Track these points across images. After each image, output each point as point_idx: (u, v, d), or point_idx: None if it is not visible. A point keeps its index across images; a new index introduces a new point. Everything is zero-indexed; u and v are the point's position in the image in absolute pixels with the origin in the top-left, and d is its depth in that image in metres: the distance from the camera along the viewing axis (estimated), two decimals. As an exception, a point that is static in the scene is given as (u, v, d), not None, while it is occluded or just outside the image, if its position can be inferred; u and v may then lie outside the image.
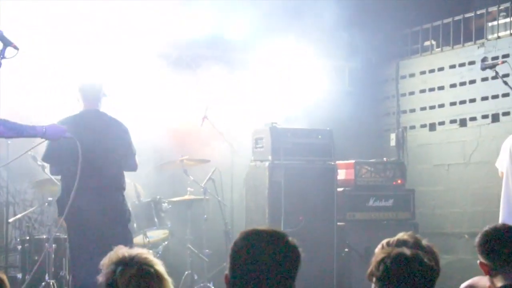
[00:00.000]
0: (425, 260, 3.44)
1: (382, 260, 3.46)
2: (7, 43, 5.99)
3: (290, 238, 3.39)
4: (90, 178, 7.43)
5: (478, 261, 4.53)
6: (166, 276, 3.45)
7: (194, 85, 10.92)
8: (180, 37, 10.59)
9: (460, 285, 4.81)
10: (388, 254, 3.47)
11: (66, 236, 9.09)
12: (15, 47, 6.03)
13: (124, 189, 7.83)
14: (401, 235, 4.49)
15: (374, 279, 3.54)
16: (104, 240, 7.24)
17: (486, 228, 4.58)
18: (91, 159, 7.41)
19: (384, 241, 4.41)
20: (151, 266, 3.43)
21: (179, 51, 10.86)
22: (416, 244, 4.06)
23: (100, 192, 7.50)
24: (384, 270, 3.44)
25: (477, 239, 4.54)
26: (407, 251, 3.47)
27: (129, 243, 7.37)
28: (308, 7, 10.89)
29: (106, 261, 3.48)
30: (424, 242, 4.17)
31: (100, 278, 3.45)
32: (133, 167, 7.98)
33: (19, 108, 8.58)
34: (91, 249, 7.29)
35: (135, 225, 9.37)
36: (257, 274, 3.28)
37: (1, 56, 5.95)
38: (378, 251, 4.82)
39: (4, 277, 3.75)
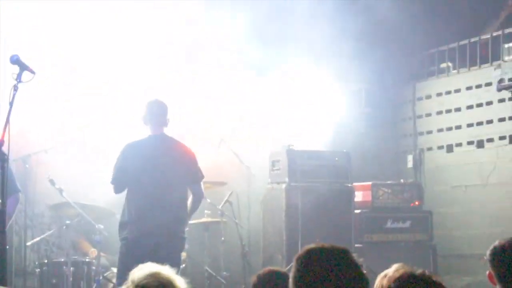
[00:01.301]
0: (433, 278, 3.45)
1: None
2: (23, 67, 6.01)
3: (355, 255, 3.40)
4: (151, 206, 7.48)
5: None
6: None
7: (212, 108, 10.98)
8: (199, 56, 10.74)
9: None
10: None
11: (84, 259, 9.16)
12: (32, 71, 6.06)
13: (185, 219, 7.77)
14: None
15: None
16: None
17: None
18: (153, 185, 7.47)
19: (382, 273, 4.43)
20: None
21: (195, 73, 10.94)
22: None
23: (161, 221, 7.47)
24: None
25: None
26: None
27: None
28: (325, 30, 10.92)
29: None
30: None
31: None
32: (199, 194, 7.85)
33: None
34: None
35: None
36: None
37: (18, 80, 5.97)
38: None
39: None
